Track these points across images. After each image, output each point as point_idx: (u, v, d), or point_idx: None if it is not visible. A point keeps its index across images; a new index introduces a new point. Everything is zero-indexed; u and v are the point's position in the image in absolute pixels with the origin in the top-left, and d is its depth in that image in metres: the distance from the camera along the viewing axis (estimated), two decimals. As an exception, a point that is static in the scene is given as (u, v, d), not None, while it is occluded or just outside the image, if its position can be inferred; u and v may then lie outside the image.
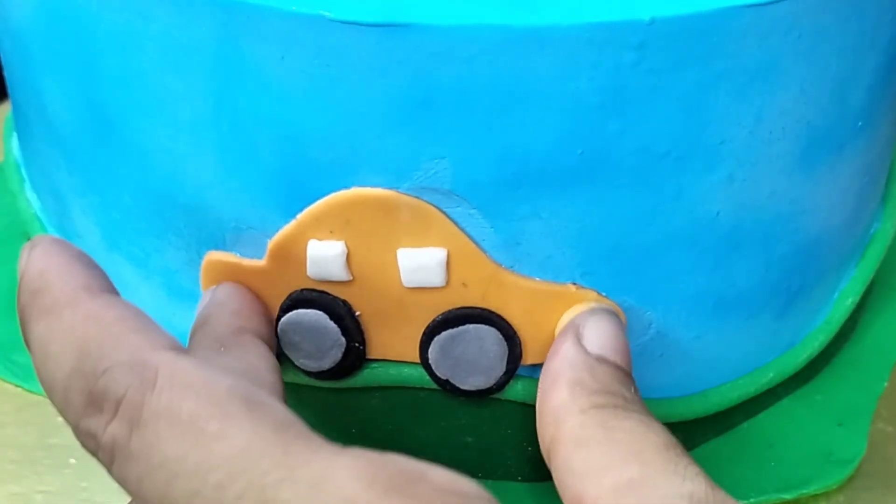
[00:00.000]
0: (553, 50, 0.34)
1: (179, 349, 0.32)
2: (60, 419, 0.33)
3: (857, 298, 0.46)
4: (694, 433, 0.44)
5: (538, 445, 0.41)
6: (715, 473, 0.42)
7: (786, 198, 0.40)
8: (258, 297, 0.40)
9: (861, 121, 0.41)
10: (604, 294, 0.39)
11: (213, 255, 0.40)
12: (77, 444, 0.32)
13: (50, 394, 0.33)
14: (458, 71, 0.35)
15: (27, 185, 0.48)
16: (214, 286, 0.40)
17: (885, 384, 0.46)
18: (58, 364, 0.32)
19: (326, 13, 0.34)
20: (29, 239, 0.48)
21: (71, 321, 0.33)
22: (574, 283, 0.39)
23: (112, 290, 0.34)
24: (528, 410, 0.41)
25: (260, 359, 0.37)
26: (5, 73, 0.45)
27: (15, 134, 0.49)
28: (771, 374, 0.44)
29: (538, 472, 0.42)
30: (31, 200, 0.47)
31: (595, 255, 0.38)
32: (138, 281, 0.43)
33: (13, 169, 0.49)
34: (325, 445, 0.30)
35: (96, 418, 0.31)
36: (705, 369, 0.42)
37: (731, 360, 0.43)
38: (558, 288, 0.39)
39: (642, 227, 0.38)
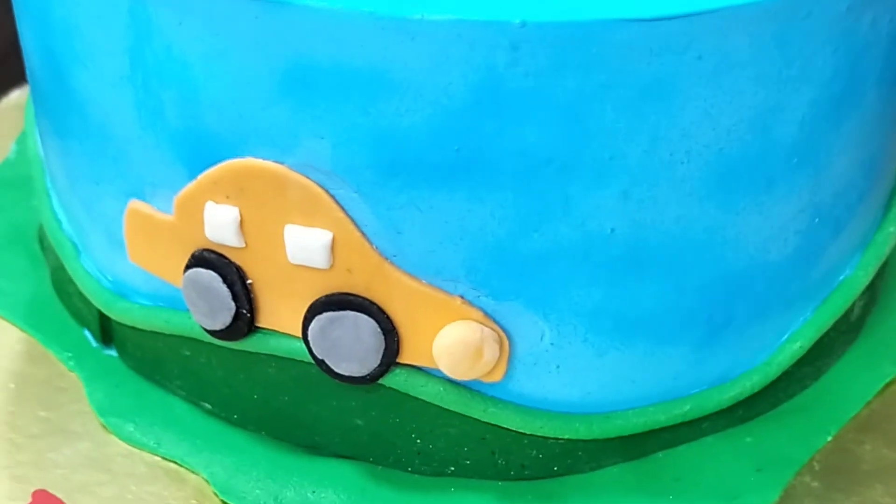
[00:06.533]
0: (423, 43, 0.35)
1: None
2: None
3: (809, 344, 0.44)
4: (597, 453, 0.43)
5: (426, 438, 0.42)
6: (609, 500, 0.42)
7: (698, 225, 0.39)
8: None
9: (796, 157, 0.39)
10: (490, 297, 0.39)
11: (134, 205, 0.42)
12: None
13: None
14: (332, 53, 0.35)
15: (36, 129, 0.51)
16: None
17: (829, 439, 0.44)
18: None
19: (213, -16, 0.36)
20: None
21: None
22: (462, 298, 0.39)
23: None
24: (412, 401, 0.41)
25: None
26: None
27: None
28: (687, 407, 0.42)
29: (428, 465, 0.42)
30: (37, 140, 0.50)
31: (478, 254, 0.38)
32: (90, 227, 0.45)
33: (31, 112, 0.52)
34: None
35: None
36: (610, 390, 0.42)
37: (640, 386, 0.42)
38: (445, 297, 0.39)
39: (527, 233, 0.38)
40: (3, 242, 0.53)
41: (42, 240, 0.52)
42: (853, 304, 0.46)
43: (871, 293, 0.48)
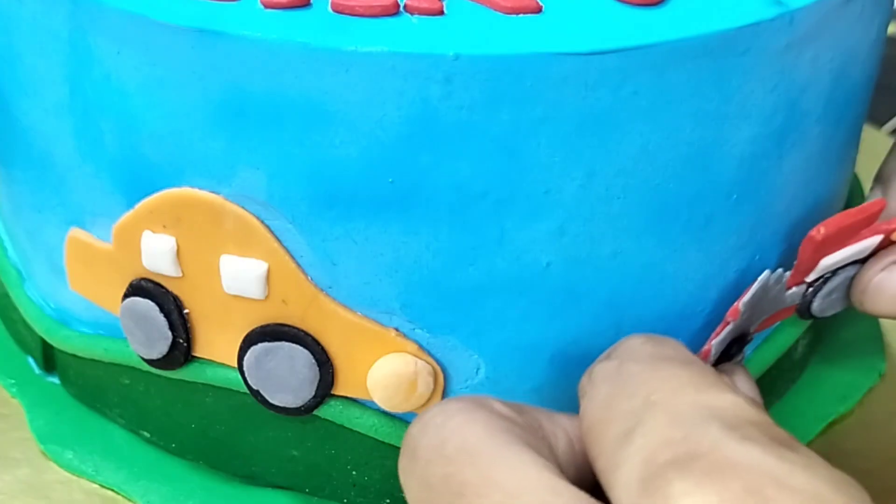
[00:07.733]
0: (357, 74, 0.35)
1: None
2: None
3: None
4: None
5: (362, 470, 0.42)
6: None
7: (636, 261, 0.39)
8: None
9: (735, 194, 0.39)
10: (425, 330, 0.39)
11: (74, 233, 0.41)
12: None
13: None
14: (267, 83, 0.35)
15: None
16: None
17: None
18: None
19: (149, 14, 0.36)
20: None
21: None
22: (397, 330, 0.39)
23: None
24: (348, 434, 0.41)
25: None
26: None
27: None
28: (627, 443, 0.42)
29: (364, 497, 0.42)
30: None
31: (413, 287, 0.38)
32: (33, 254, 0.45)
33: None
34: None
35: None
36: (547, 425, 0.41)
37: (579, 421, 0.42)
38: (379, 329, 0.39)
39: (462, 267, 0.38)
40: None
41: (-10, 266, 0.51)
42: (796, 343, 0.46)
43: (816, 332, 0.48)
